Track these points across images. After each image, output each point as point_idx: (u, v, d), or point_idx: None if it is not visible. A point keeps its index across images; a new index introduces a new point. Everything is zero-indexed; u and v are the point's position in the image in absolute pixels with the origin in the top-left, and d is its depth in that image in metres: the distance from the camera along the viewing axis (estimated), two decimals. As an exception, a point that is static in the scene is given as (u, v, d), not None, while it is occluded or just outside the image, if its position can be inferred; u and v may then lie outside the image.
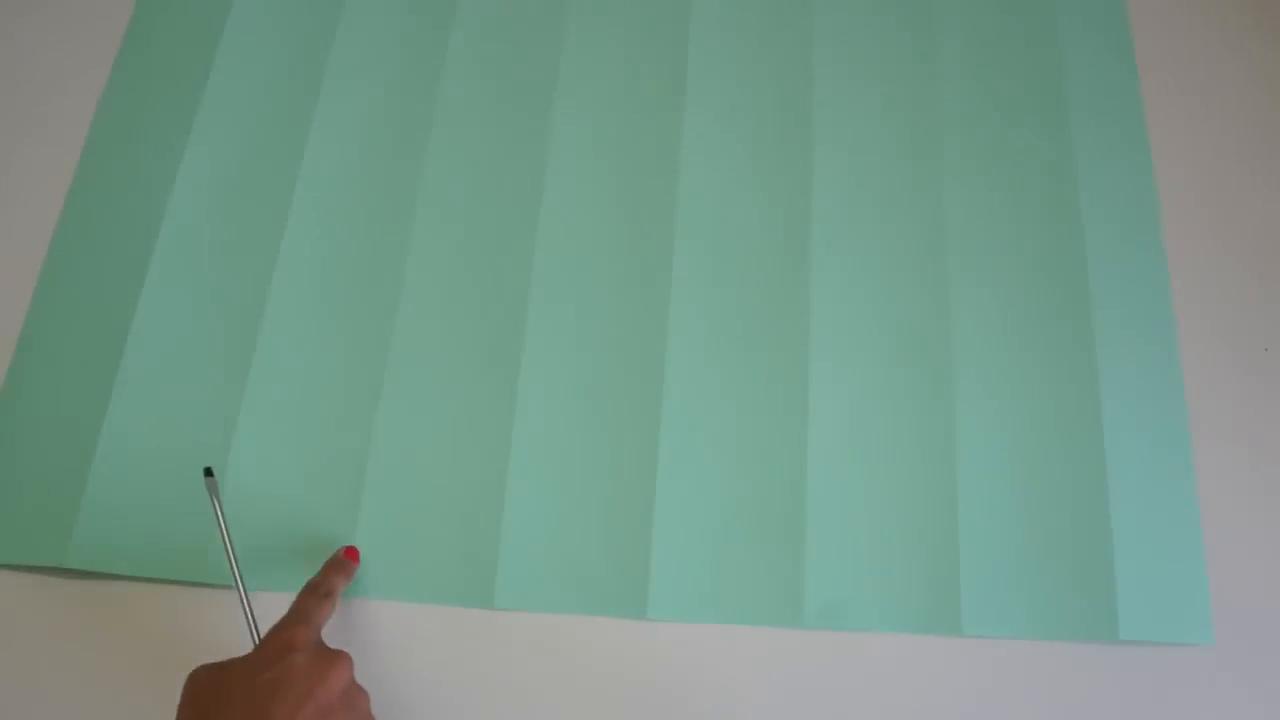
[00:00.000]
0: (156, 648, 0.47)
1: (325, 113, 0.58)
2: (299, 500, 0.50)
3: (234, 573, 0.44)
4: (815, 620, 0.49)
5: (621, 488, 0.51)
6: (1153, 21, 0.63)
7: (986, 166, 0.58)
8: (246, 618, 0.44)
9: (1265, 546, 0.51)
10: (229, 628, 0.47)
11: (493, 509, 0.50)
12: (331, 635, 0.47)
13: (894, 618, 0.49)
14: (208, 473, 0.44)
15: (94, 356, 0.52)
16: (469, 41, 0.60)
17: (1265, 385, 0.55)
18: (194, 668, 0.40)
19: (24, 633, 0.47)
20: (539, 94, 0.59)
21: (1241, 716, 0.48)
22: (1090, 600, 0.49)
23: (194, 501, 0.48)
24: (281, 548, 0.49)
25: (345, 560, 0.48)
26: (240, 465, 0.50)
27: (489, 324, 0.54)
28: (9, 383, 0.51)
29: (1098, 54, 0.62)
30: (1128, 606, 0.49)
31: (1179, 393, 0.54)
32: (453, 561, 0.49)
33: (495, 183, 0.57)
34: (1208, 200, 0.59)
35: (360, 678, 0.42)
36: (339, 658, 0.40)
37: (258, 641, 0.42)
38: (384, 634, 0.48)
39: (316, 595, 0.44)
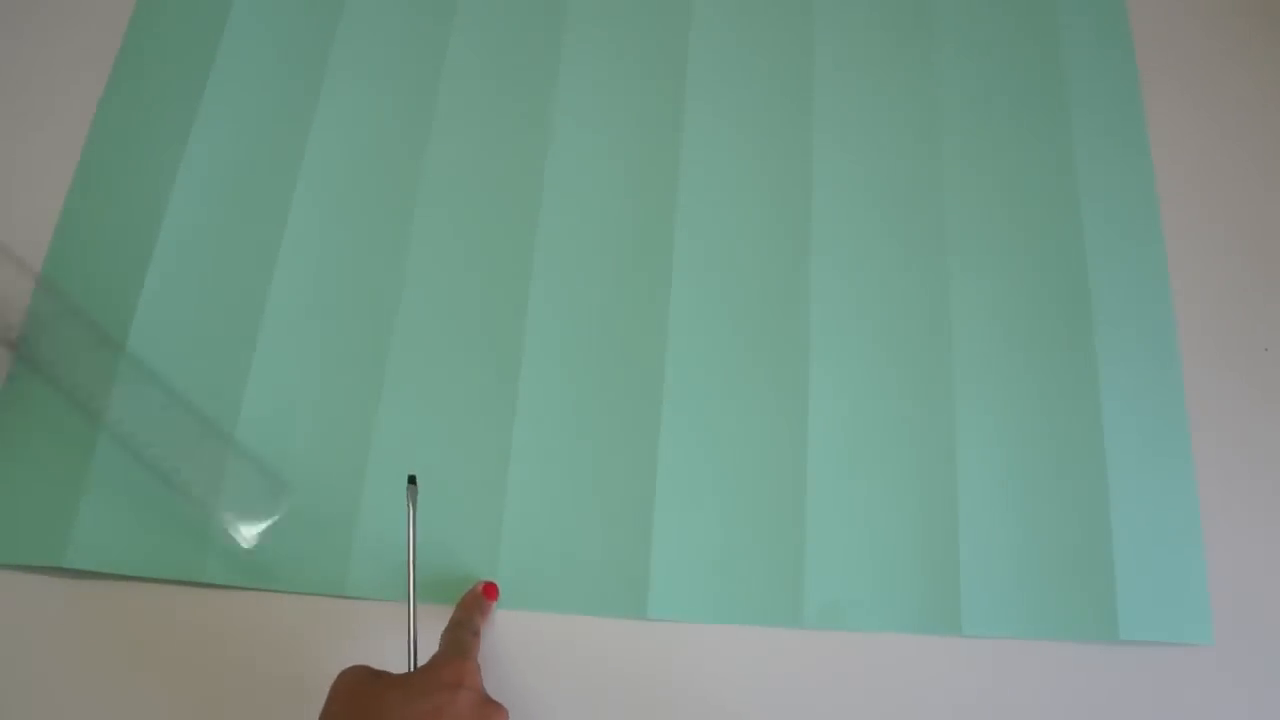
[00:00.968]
0: (156, 648, 0.47)
1: (325, 111, 0.58)
2: (298, 500, 0.49)
3: (410, 586, 0.42)
4: (815, 620, 0.49)
5: (621, 488, 0.51)
6: (1153, 21, 0.63)
7: (986, 166, 0.58)
8: (410, 633, 0.42)
9: (1265, 547, 0.51)
10: (229, 628, 0.47)
11: (493, 509, 0.50)
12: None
13: (894, 618, 0.49)
14: (411, 480, 0.43)
15: (94, 356, 0.52)
16: (469, 39, 0.60)
17: (1265, 386, 0.55)
18: (346, 666, 0.39)
19: (24, 633, 0.47)
20: (539, 92, 0.59)
21: (1241, 716, 0.48)
22: (1090, 600, 0.49)
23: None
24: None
25: (485, 600, 0.47)
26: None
27: (489, 323, 0.54)
28: (9, 382, 0.51)
29: (1098, 54, 0.62)
30: (1127, 606, 0.49)
31: (1179, 393, 0.54)
32: (453, 562, 0.49)
33: (495, 181, 0.57)
34: (1208, 200, 0.59)
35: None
36: (501, 712, 0.39)
37: (415, 662, 0.41)
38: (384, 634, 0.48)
39: (467, 632, 0.43)
